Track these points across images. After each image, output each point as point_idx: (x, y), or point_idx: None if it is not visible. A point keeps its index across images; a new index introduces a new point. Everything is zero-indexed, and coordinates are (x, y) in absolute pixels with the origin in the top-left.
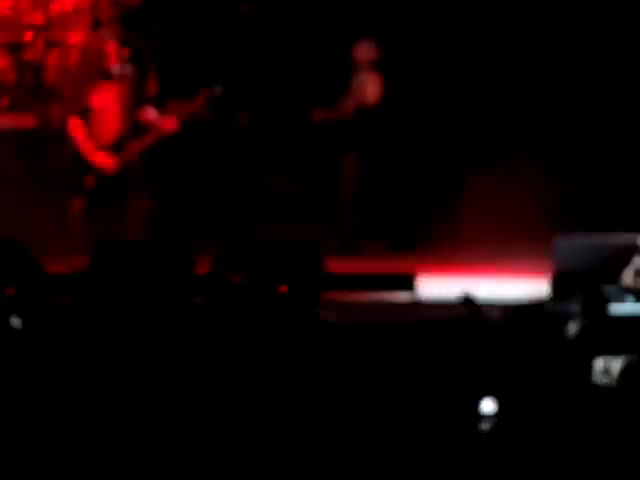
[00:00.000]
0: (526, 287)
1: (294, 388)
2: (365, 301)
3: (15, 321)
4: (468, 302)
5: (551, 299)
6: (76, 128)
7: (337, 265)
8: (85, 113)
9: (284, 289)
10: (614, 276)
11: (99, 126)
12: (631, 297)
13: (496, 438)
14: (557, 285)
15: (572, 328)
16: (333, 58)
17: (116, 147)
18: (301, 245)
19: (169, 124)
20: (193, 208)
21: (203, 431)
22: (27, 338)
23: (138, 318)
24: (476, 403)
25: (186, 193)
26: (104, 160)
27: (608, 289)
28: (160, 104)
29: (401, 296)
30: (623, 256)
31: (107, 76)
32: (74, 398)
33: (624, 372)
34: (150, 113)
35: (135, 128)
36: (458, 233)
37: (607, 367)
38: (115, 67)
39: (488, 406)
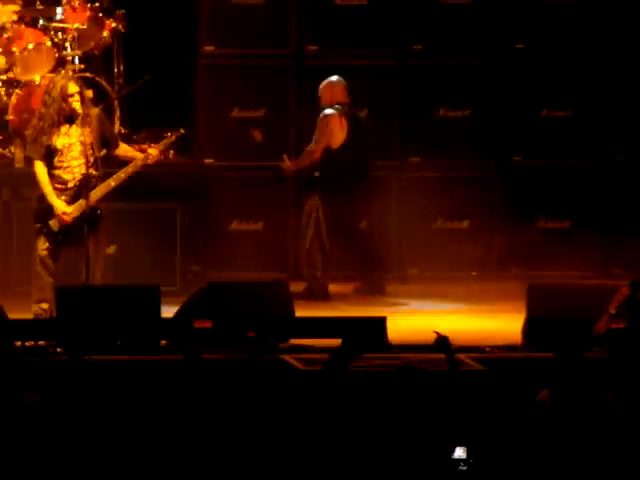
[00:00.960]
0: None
1: (259, 434)
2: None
3: None
4: (443, 348)
5: (524, 345)
6: (40, 170)
7: (306, 309)
8: (49, 154)
9: (252, 334)
10: (588, 323)
11: (63, 168)
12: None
13: None
14: (530, 331)
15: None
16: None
17: (80, 189)
18: (271, 286)
19: (153, 155)
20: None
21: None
22: None
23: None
24: (448, 451)
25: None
26: (63, 208)
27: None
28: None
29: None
30: (597, 303)
31: (71, 117)
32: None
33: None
34: (126, 149)
35: (101, 169)
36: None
37: None
38: (79, 107)
39: (460, 454)
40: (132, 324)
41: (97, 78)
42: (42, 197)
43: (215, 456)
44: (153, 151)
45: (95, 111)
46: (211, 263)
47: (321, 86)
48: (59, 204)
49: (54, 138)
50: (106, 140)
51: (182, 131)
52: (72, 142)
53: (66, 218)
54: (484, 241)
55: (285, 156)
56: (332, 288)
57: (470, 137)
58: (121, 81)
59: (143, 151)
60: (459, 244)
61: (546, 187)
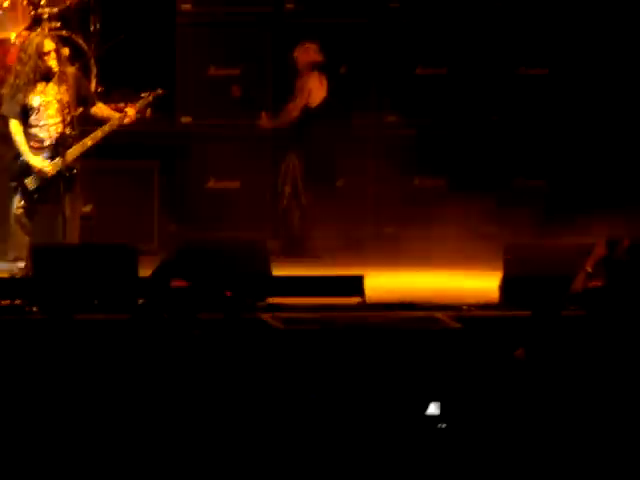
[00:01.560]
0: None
1: (240, 395)
2: (313, 306)
3: None
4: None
5: (501, 304)
6: (15, 128)
7: (283, 268)
8: (25, 112)
9: (229, 293)
10: (565, 281)
11: (40, 126)
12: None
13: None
14: (507, 290)
15: None
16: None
17: (57, 148)
18: (248, 245)
19: (130, 114)
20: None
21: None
22: None
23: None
24: (423, 407)
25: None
26: (40, 164)
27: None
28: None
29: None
30: (574, 261)
31: (48, 75)
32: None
33: None
34: (102, 108)
35: (77, 128)
36: (406, 233)
37: None
38: (55, 65)
39: (434, 409)
40: (109, 283)
41: (73, 36)
42: (17, 156)
43: (195, 416)
44: (130, 111)
45: (71, 69)
46: (188, 222)
47: (295, 50)
48: (36, 161)
49: (30, 96)
50: (83, 98)
51: (159, 91)
52: (48, 100)
53: (44, 173)
54: (461, 199)
55: (263, 113)
56: (309, 245)
57: (447, 95)
58: (98, 39)
59: (120, 110)
60: (436, 202)
61: (521, 146)
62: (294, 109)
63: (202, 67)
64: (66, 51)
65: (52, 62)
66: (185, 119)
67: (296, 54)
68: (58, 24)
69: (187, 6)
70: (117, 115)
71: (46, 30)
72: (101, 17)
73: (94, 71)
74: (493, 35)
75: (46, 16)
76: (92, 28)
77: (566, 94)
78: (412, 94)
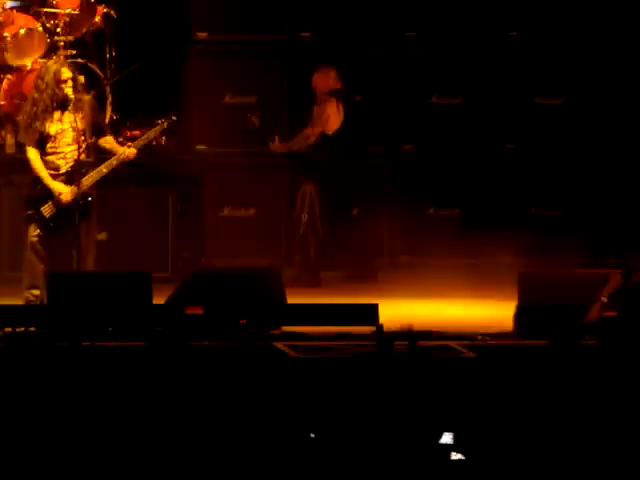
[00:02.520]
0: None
1: (251, 421)
2: (327, 335)
3: None
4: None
5: (516, 333)
6: (34, 156)
7: (298, 297)
8: (42, 140)
9: (244, 321)
10: (580, 311)
11: (56, 153)
12: None
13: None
14: (522, 319)
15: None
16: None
17: (72, 175)
18: (263, 273)
19: (129, 153)
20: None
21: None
22: None
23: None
24: (437, 436)
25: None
26: (61, 189)
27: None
28: (117, 131)
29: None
30: (589, 291)
31: (64, 102)
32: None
33: None
34: (108, 141)
35: (92, 155)
36: (420, 262)
37: None
38: (72, 93)
39: (447, 440)
40: (123, 311)
41: (89, 64)
42: (34, 183)
43: (207, 443)
44: (130, 150)
45: (87, 97)
46: (203, 249)
47: (314, 76)
48: (56, 186)
49: (47, 124)
50: (97, 127)
51: (174, 118)
52: (64, 128)
53: (64, 198)
54: (476, 229)
55: (277, 137)
56: (324, 275)
57: (463, 125)
58: (113, 67)
59: (133, 140)
60: (451, 232)
61: (537, 176)
62: (311, 135)
63: (217, 95)
64: (82, 79)
65: (69, 90)
66: (200, 147)
67: (315, 80)
68: (74, 52)
69: (203, 34)
70: (120, 151)
71: (62, 58)
72: (116, 45)
73: (109, 98)
74: (509, 64)
75: (62, 43)
76: (107, 56)
77: (582, 124)
78: (428, 123)
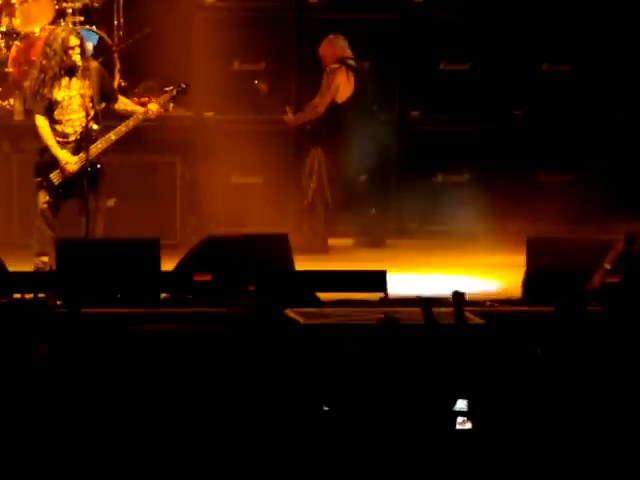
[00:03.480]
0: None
1: (261, 389)
2: (335, 301)
3: None
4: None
5: (524, 299)
6: (42, 123)
7: (306, 263)
8: (50, 107)
9: (252, 288)
10: (586, 277)
11: (64, 121)
12: None
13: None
14: (530, 285)
15: None
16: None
17: (81, 143)
18: (271, 240)
19: (153, 110)
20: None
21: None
22: None
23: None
24: (446, 404)
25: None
26: (67, 158)
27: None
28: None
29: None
30: (597, 256)
31: (72, 69)
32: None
33: None
34: (126, 103)
35: (101, 123)
36: (429, 228)
37: None
38: (80, 60)
39: (462, 406)
40: (132, 277)
41: (97, 31)
42: (43, 151)
43: (215, 410)
44: (153, 106)
45: (95, 64)
46: (211, 216)
47: (322, 45)
48: (63, 155)
49: (55, 91)
50: (106, 94)
51: (183, 85)
52: (72, 95)
53: (70, 168)
54: (485, 195)
55: (288, 108)
56: (332, 242)
57: (470, 91)
58: (121, 34)
59: (143, 105)
60: (460, 198)
61: (545, 142)
62: (320, 105)
63: (225, 62)
64: (90, 46)
65: (77, 57)
66: (208, 114)
67: (323, 49)
68: (82, 18)
69: (211, 0)
70: (140, 110)
71: (70, 24)
72: (124, 12)
73: (117, 65)
74: (517, 31)
75: (70, 10)
76: (115, 23)
77: (590, 90)
78: (436, 89)
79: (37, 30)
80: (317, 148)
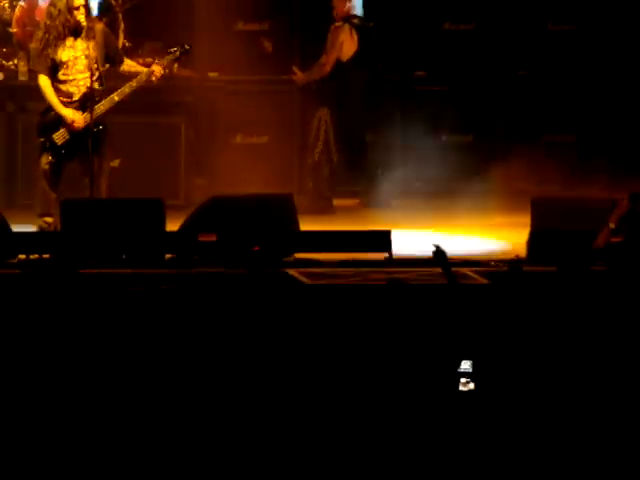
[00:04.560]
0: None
1: (266, 350)
2: (340, 261)
3: None
4: (440, 258)
5: (529, 259)
6: (45, 82)
7: (311, 223)
8: (54, 67)
9: (257, 248)
10: (591, 236)
11: (69, 81)
12: None
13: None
14: (534, 245)
15: None
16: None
17: (85, 103)
18: (276, 200)
19: (158, 71)
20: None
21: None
22: None
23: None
24: (453, 365)
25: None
26: (72, 116)
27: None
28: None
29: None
30: (602, 216)
31: (76, 30)
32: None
33: None
34: (130, 64)
35: (105, 83)
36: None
37: None
38: (84, 20)
39: (465, 367)
40: (136, 237)
41: None
42: (46, 111)
43: (219, 370)
44: (157, 67)
45: (99, 25)
46: (215, 177)
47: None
48: (67, 112)
49: (59, 51)
50: (110, 55)
51: (187, 46)
52: (77, 55)
53: (76, 125)
54: (490, 155)
55: (295, 68)
56: (337, 202)
57: (475, 51)
58: None
59: (147, 66)
60: (464, 158)
61: (550, 102)
62: (327, 63)
63: (229, 22)
64: (94, 6)
65: (81, 17)
66: (213, 74)
67: (335, 2)
68: None
69: None
70: (144, 70)
71: None
72: None
73: (122, 26)
74: None
75: None
76: None
77: (594, 50)
78: (440, 50)
79: None
80: (323, 108)
